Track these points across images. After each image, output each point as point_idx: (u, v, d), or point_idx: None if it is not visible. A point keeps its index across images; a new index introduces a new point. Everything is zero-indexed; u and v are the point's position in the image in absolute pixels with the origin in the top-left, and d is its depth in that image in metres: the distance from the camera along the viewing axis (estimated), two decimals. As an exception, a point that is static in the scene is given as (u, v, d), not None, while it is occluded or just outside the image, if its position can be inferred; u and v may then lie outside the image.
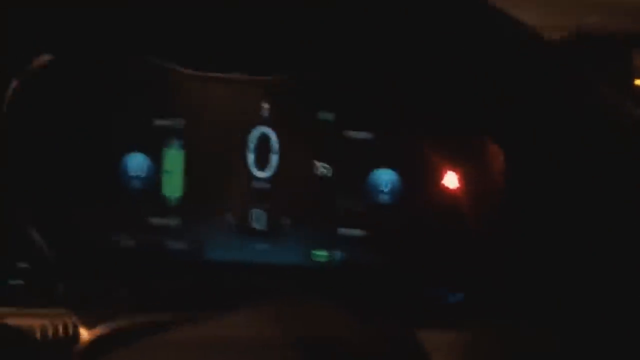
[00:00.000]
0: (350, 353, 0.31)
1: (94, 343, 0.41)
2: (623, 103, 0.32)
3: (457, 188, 0.45)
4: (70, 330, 0.42)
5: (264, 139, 0.46)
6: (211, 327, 0.32)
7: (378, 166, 0.46)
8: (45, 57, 0.42)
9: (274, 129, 0.46)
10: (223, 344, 0.30)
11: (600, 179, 0.33)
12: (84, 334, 0.43)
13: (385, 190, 0.46)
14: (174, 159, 0.46)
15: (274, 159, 0.46)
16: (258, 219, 0.47)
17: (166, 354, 0.30)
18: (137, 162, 0.46)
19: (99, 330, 0.42)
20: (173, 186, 0.47)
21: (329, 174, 0.46)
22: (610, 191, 0.32)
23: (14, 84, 0.42)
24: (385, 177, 0.46)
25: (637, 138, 0.30)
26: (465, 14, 0.32)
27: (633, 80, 0.64)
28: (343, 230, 0.46)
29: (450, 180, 0.46)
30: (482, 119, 0.38)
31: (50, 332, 0.41)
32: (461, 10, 0.32)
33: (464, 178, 0.45)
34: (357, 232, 0.46)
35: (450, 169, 0.46)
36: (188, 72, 0.44)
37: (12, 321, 0.40)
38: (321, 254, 0.47)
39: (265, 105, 0.46)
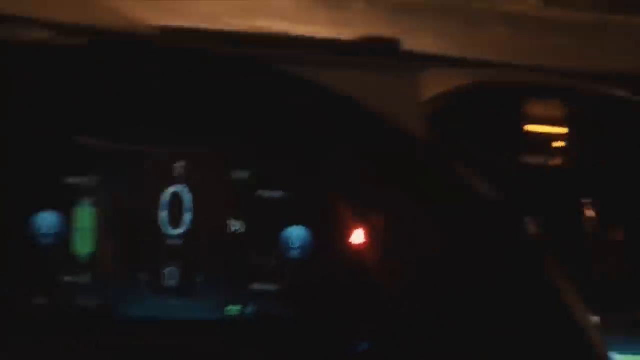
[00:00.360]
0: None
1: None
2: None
3: (364, 243, 0.48)
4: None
5: (177, 198, 0.47)
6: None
7: (290, 223, 0.48)
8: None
9: (188, 187, 0.47)
10: None
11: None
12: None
13: (297, 246, 0.48)
14: (85, 216, 0.46)
15: (187, 217, 0.47)
16: (171, 276, 0.47)
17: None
18: (47, 220, 0.46)
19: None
20: (84, 243, 0.46)
21: (242, 231, 0.48)
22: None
23: None
24: (296, 234, 0.48)
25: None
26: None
27: (525, 127, 0.70)
28: (256, 286, 0.48)
29: (358, 236, 0.48)
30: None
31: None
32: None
33: (370, 234, 0.48)
34: (269, 287, 0.48)
35: (358, 226, 0.48)
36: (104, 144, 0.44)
37: None
38: (234, 309, 0.48)
39: (179, 164, 0.47)
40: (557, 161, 0.69)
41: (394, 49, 0.78)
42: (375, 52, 0.81)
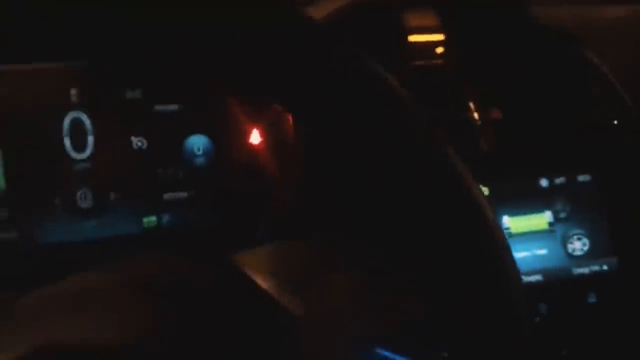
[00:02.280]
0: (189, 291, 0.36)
1: None
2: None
3: (261, 142, 0.52)
4: None
5: (77, 123, 0.49)
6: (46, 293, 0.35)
7: (190, 133, 0.51)
8: None
9: (86, 112, 0.49)
10: (62, 304, 0.33)
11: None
12: None
13: (200, 153, 0.52)
14: (-10, 155, 0.48)
15: (90, 140, 0.49)
16: (84, 198, 0.50)
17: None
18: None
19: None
20: (-6, 181, 0.48)
21: (146, 147, 0.50)
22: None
23: None
24: (198, 143, 0.52)
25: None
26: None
27: (407, 38, 0.75)
28: (167, 196, 0.51)
29: (256, 136, 0.52)
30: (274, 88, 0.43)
31: None
32: None
33: (265, 133, 0.52)
34: (180, 194, 0.51)
35: (254, 127, 0.52)
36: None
37: None
38: (150, 220, 0.51)
39: (74, 91, 0.49)
40: (439, 62, 0.75)
41: None
42: None
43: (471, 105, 0.69)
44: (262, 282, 0.37)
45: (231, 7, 0.38)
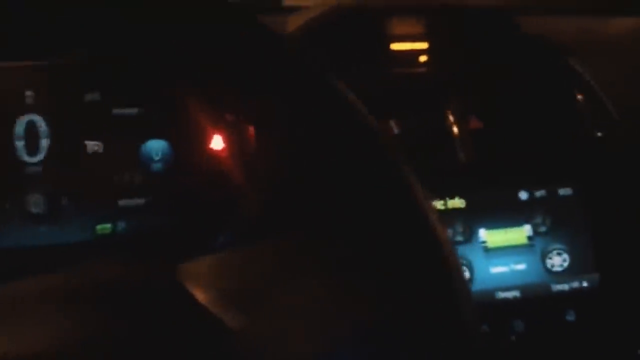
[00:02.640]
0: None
1: None
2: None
3: (223, 149, 0.50)
4: None
5: (32, 126, 0.48)
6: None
7: (148, 138, 0.50)
8: None
9: (41, 114, 0.48)
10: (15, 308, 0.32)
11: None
12: None
13: (158, 159, 0.50)
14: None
15: (44, 143, 0.48)
16: (36, 203, 0.48)
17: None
18: None
19: None
20: (-56, 184, 0.47)
21: (102, 151, 0.49)
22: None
23: None
24: (156, 147, 0.50)
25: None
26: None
27: (389, 46, 0.74)
28: (122, 202, 0.49)
29: (217, 142, 0.51)
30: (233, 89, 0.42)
31: None
32: None
33: (227, 139, 0.50)
34: (136, 201, 0.50)
35: (215, 132, 0.51)
36: None
37: None
38: (104, 227, 0.49)
39: (29, 93, 0.48)
40: (420, 71, 0.73)
41: (277, 5, 0.82)
42: (260, 9, 0.84)
43: (450, 114, 0.67)
44: (201, 295, 0.35)
45: (191, 15, 0.37)
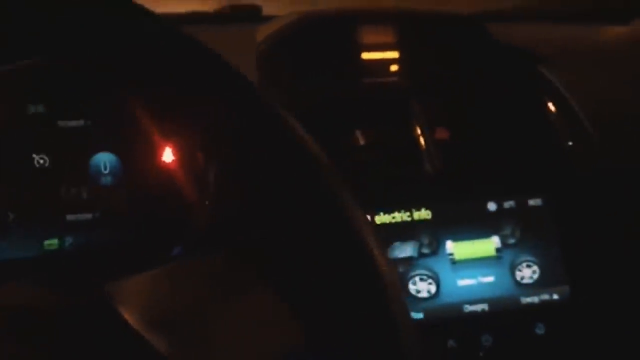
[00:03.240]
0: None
1: None
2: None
3: (173, 161, 0.49)
4: None
5: (-26, 139, 0.47)
6: None
7: (97, 151, 0.49)
8: None
9: (-16, 127, 0.47)
10: None
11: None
12: None
13: (107, 172, 0.49)
14: None
15: (-12, 157, 0.47)
16: (-19, 218, 0.47)
17: None
18: None
19: None
20: None
21: (48, 165, 0.48)
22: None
23: None
24: (105, 160, 0.49)
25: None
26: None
27: (360, 55, 0.73)
28: (70, 217, 0.48)
29: (167, 155, 0.49)
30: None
31: None
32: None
33: (178, 151, 0.49)
34: (84, 216, 0.48)
35: (166, 144, 0.49)
36: None
37: None
38: (52, 242, 0.48)
39: (-27, 105, 0.47)
40: (388, 80, 0.72)
41: (256, 15, 0.81)
42: (239, 19, 0.83)
43: (417, 124, 0.66)
44: (131, 317, 0.34)
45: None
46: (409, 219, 0.62)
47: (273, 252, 0.38)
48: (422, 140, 0.65)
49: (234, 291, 0.36)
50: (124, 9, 0.35)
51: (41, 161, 0.48)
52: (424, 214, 0.62)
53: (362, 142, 0.65)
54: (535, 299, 0.63)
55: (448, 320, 0.61)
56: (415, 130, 0.66)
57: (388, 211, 0.62)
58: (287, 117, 0.37)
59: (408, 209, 0.62)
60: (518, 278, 0.63)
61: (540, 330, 0.63)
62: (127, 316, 0.34)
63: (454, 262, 0.62)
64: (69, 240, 0.48)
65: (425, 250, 0.62)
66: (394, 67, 0.73)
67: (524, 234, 0.64)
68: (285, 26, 0.71)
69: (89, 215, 0.48)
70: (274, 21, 0.74)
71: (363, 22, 0.74)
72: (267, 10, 0.85)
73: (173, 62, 0.38)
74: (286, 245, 0.37)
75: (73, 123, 0.48)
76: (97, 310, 0.34)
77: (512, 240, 0.64)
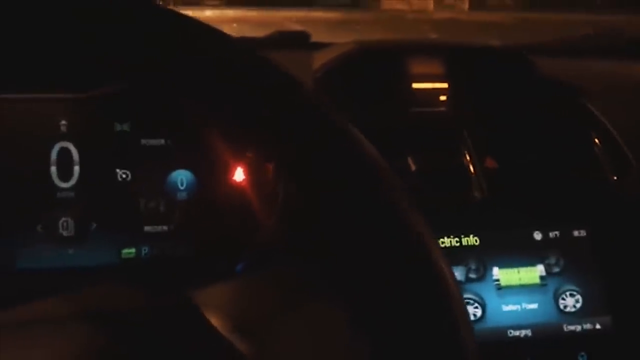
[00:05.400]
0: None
1: None
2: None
3: (244, 180, 0.52)
4: None
5: (65, 153, 0.51)
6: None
7: (174, 168, 0.52)
8: None
9: (74, 143, 0.51)
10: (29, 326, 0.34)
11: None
12: None
13: (183, 188, 0.52)
14: (-21, 178, 0.49)
15: (76, 169, 0.51)
16: (66, 226, 0.51)
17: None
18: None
19: None
20: (-20, 204, 0.50)
21: (130, 179, 0.51)
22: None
23: None
24: (181, 177, 0.52)
25: None
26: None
27: (411, 84, 0.76)
28: (148, 228, 0.52)
29: (238, 174, 0.53)
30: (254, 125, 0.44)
31: None
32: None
33: (249, 172, 0.52)
34: (160, 228, 0.52)
35: (238, 165, 0.53)
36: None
37: None
38: (129, 252, 0.52)
39: (64, 122, 0.51)
40: (438, 110, 0.75)
41: (305, 41, 0.85)
42: (288, 45, 0.87)
43: (466, 153, 0.69)
44: (216, 321, 0.37)
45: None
46: (457, 244, 0.64)
47: (339, 266, 0.40)
48: (471, 168, 0.68)
49: (306, 300, 0.39)
50: (202, 34, 0.39)
51: (124, 176, 0.51)
52: (472, 240, 0.64)
53: (413, 168, 0.68)
54: (578, 328, 0.65)
55: (492, 344, 0.63)
56: (464, 158, 0.68)
57: (437, 236, 0.64)
58: (359, 135, 0.39)
59: (457, 234, 0.65)
60: (561, 306, 0.65)
61: (582, 358, 0.64)
62: (211, 319, 0.36)
63: (499, 288, 0.64)
64: (145, 249, 0.52)
65: (472, 275, 0.64)
66: (442, 97, 0.76)
67: (568, 263, 0.66)
68: (341, 55, 0.75)
69: (165, 228, 0.52)
70: (330, 49, 0.77)
71: (414, 53, 0.77)
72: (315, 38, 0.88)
73: (250, 84, 0.41)
74: (352, 260, 0.39)
75: (154, 141, 0.52)
76: (181, 314, 0.37)
77: (556, 269, 0.66)
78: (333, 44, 0.81)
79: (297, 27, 0.91)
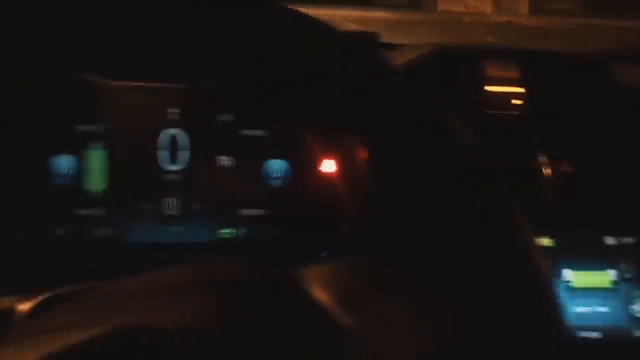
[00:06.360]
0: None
1: (31, 311, 0.48)
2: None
3: (334, 172, 0.56)
4: (7, 305, 0.49)
5: (173, 139, 0.55)
6: (130, 282, 0.40)
7: (271, 157, 0.56)
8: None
9: (182, 130, 0.55)
10: (143, 293, 0.38)
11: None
12: (21, 307, 0.50)
13: (277, 176, 0.56)
14: (97, 158, 0.54)
15: (183, 155, 0.55)
16: (171, 206, 0.55)
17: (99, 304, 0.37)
18: (64, 162, 0.54)
19: (37, 300, 0.49)
20: (97, 182, 0.55)
21: (230, 165, 0.56)
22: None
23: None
24: (276, 166, 0.56)
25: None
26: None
27: (485, 87, 0.78)
28: (244, 211, 0.56)
29: (329, 166, 0.56)
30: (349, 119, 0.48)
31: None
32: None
33: (339, 163, 0.56)
34: (255, 211, 0.56)
35: (329, 157, 0.56)
36: (108, 81, 0.52)
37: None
38: (226, 232, 0.56)
39: (174, 110, 0.55)
40: (513, 113, 0.77)
41: (374, 41, 0.88)
42: (358, 42, 0.90)
43: (542, 157, 0.70)
44: (318, 296, 0.40)
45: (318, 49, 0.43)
46: (530, 244, 0.66)
47: (432, 257, 0.43)
48: (546, 172, 0.69)
49: (404, 284, 0.42)
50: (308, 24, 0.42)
51: (224, 162, 0.56)
52: (546, 241, 0.66)
53: (488, 170, 0.70)
54: (648, 333, 0.66)
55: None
56: (539, 162, 0.70)
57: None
58: (460, 127, 0.41)
59: (530, 235, 0.66)
60: (633, 311, 0.66)
61: (652, 363, 0.65)
62: (315, 295, 0.40)
63: (571, 290, 0.66)
64: (241, 231, 0.56)
65: (544, 276, 0.66)
66: (517, 101, 0.78)
67: (641, 269, 0.67)
68: (419, 57, 0.78)
69: (260, 212, 0.56)
70: (406, 50, 0.80)
71: (491, 57, 0.79)
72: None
73: (350, 78, 0.44)
74: (452, 250, 0.41)
75: (253, 132, 0.56)
76: (289, 287, 0.41)
77: (628, 275, 0.67)
78: (405, 45, 0.83)
79: (355, 27, 0.94)
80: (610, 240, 0.67)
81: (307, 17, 0.43)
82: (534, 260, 0.37)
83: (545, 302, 0.36)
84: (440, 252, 0.42)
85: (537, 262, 0.37)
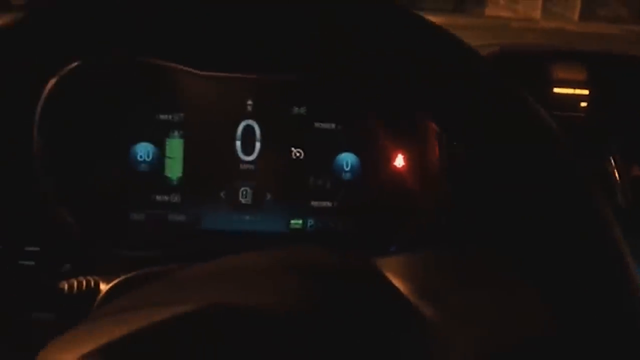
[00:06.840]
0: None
1: (112, 290, 0.50)
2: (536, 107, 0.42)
3: (404, 166, 0.57)
4: (92, 284, 0.52)
5: (249, 130, 0.57)
6: (216, 264, 0.41)
7: (342, 150, 0.57)
8: (74, 63, 0.52)
9: (257, 121, 0.57)
10: (230, 275, 0.40)
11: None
12: (104, 286, 0.52)
13: (348, 169, 0.57)
14: (175, 146, 0.57)
15: (257, 146, 0.57)
16: (245, 195, 0.57)
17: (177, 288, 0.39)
18: (144, 150, 0.57)
19: (116, 281, 0.51)
20: (174, 169, 0.57)
21: (302, 158, 0.57)
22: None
23: (49, 86, 0.52)
24: (347, 159, 0.57)
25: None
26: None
27: (552, 89, 0.77)
28: (314, 203, 0.57)
29: (399, 160, 0.57)
30: (425, 109, 0.48)
31: (75, 287, 0.51)
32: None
33: (408, 159, 0.57)
34: (325, 203, 0.57)
35: (399, 152, 0.57)
36: (188, 70, 0.54)
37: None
38: (297, 222, 0.57)
39: (250, 102, 0.57)
40: (581, 115, 0.76)
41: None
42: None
43: (612, 159, 0.69)
44: (399, 285, 0.41)
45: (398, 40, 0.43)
46: (598, 247, 0.65)
47: (510, 247, 0.43)
48: (617, 175, 0.68)
49: (489, 278, 0.42)
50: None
51: (297, 154, 0.57)
52: (614, 244, 0.65)
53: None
54: None
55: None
56: (610, 165, 0.69)
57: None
58: (540, 113, 0.40)
59: (598, 238, 0.66)
60: None
61: None
62: (397, 284, 0.40)
63: (639, 295, 0.64)
64: (311, 222, 0.57)
65: (611, 279, 0.65)
66: (583, 104, 0.77)
67: None
68: (486, 56, 0.78)
69: (329, 204, 0.57)
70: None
71: (556, 59, 0.78)
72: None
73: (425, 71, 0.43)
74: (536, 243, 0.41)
75: (326, 125, 0.57)
76: (372, 275, 0.42)
77: (700, 281, 0.65)
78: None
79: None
80: (682, 246, 0.66)
81: (393, 6, 0.43)
82: (621, 253, 0.37)
83: (630, 299, 0.35)
84: (519, 243, 0.42)
85: (625, 255, 0.37)
